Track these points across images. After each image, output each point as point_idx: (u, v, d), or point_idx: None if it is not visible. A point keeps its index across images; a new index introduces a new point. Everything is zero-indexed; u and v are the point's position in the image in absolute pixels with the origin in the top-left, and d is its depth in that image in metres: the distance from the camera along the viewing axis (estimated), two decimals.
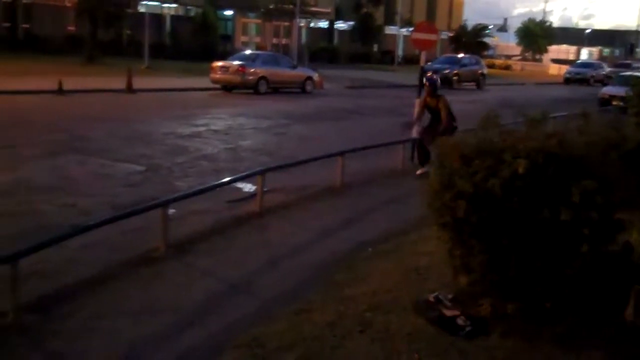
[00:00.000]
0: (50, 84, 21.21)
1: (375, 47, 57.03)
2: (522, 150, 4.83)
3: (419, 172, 11.06)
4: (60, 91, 20.85)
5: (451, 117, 11.22)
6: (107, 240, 6.91)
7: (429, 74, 12.13)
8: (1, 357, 4.56)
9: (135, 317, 5.25)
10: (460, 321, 5.05)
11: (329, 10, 52.57)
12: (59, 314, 5.25)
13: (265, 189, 8.71)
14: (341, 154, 10.11)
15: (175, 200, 7.25)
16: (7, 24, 39.30)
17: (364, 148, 11.02)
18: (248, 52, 30.65)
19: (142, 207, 6.84)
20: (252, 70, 25.25)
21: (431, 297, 5.46)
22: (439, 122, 11.12)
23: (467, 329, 4.96)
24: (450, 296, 5.44)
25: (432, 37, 12.58)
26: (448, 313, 5.17)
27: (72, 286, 5.82)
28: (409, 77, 37.73)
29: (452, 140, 5.32)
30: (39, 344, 4.78)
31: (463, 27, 60.10)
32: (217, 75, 25.56)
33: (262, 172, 8.62)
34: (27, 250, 5.24)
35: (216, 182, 8.35)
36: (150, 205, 6.85)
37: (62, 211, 8.18)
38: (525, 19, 78.92)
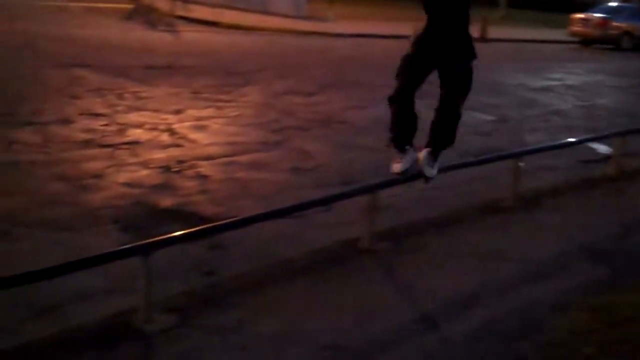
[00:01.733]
0: (406, 29, 22.01)
1: None
2: None
3: None
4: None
5: None
6: (454, 185, 7.00)
7: None
8: (355, 275, 4.93)
9: (480, 261, 5.28)
10: None
11: None
12: (407, 246, 5.51)
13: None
14: None
15: (528, 152, 7.09)
16: None
17: None
18: (613, 4, 28.50)
19: (494, 156, 6.82)
20: (615, 24, 23.49)
21: None
22: None
23: None
24: None
25: None
26: None
27: (419, 223, 6.05)
28: None
29: None
30: (388, 270, 5.08)
31: None
32: (576, 28, 24.31)
33: (623, 134, 8.00)
34: (384, 184, 5.54)
35: (572, 139, 7.97)
36: (503, 155, 6.78)
37: None
38: None
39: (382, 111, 10.41)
